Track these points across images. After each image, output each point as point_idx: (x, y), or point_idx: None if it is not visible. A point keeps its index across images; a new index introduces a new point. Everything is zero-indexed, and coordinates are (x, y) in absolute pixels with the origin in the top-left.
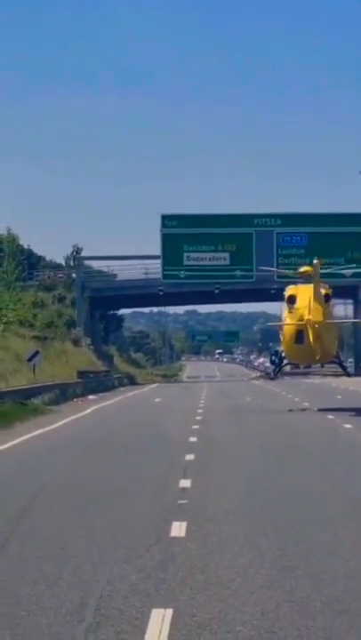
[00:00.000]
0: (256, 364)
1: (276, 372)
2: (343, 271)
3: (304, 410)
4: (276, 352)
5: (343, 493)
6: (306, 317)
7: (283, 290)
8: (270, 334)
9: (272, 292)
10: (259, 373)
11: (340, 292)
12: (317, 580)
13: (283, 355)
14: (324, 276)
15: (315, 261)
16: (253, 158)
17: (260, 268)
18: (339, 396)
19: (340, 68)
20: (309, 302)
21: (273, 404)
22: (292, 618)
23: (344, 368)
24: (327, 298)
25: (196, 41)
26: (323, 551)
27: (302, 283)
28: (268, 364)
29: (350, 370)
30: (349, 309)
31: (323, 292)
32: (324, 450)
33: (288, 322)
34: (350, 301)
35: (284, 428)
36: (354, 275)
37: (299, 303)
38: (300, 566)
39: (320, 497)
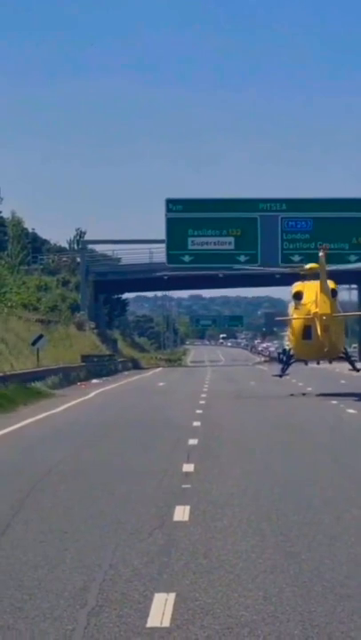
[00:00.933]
0: (260, 348)
1: (285, 369)
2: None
3: (308, 394)
4: (284, 350)
5: (346, 478)
6: (313, 311)
7: (287, 275)
8: (274, 319)
9: (277, 276)
10: (263, 358)
11: (345, 277)
12: (320, 565)
13: (291, 352)
14: (329, 259)
15: (320, 254)
16: (259, 143)
17: (265, 264)
18: (343, 381)
19: (351, 51)
20: (316, 296)
21: (277, 389)
22: (294, 602)
23: (352, 363)
24: (333, 293)
25: (202, 25)
26: (326, 536)
27: (309, 279)
28: (272, 349)
29: (359, 365)
30: (354, 294)
31: (331, 286)
32: (327, 434)
33: (296, 317)
34: (355, 286)
35: (287, 413)
36: (358, 260)
37: (306, 299)
38: (303, 551)
39: (323, 481)
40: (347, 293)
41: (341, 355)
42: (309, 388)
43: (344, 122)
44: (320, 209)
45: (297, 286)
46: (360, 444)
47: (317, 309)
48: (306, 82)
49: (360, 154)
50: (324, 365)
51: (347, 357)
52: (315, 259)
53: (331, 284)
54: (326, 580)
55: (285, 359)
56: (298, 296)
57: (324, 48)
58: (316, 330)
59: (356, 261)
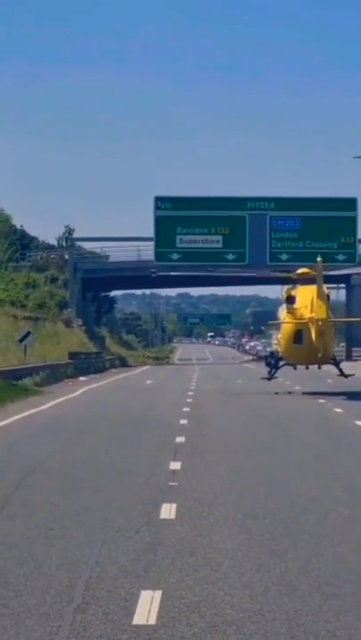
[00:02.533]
0: (248, 347)
1: (273, 373)
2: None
3: (295, 393)
4: (272, 353)
5: (332, 477)
6: (308, 316)
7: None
8: (262, 318)
9: (270, 272)
10: (250, 356)
11: (333, 277)
12: (306, 564)
13: (279, 355)
14: (316, 258)
15: (318, 259)
16: (248, 141)
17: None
18: (329, 380)
19: (338, 48)
20: (312, 300)
21: (264, 387)
22: (280, 601)
23: (341, 370)
24: (327, 298)
25: (191, 22)
26: (312, 534)
27: (301, 284)
28: (259, 348)
29: (347, 371)
30: (342, 294)
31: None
32: (313, 433)
33: (288, 321)
34: (343, 286)
35: (274, 412)
36: (346, 259)
37: (299, 303)
38: (289, 549)
39: (309, 480)
40: (335, 292)
41: (331, 361)
42: (297, 387)
43: (334, 121)
44: (308, 208)
45: (289, 290)
46: (346, 443)
47: (313, 314)
48: (297, 80)
49: (349, 153)
50: (313, 368)
51: (335, 363)
52: (303, 258)
53: (325, 289)
54: (312, 579)
55: (274, 362)
56: (290, 300)
57: (316, 44)
58: (310, 334)
59: (344, 261)
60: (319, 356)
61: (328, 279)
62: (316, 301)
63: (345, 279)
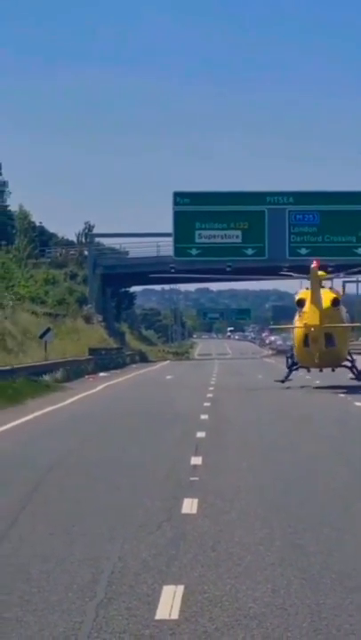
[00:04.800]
0: (268, 341)
1: (288, 375)
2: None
3: (315, 387)
4: (292, 355)
5: (354, 470)
6: (304, 321)
7: (296, 267)
8: (282, 312)
9: (284, 269)
10: (271, 351)
11: (353, 269)
12: (328, 557)
13: (295, 359)
14: (336, 252)
15: (312, 266)
16: (267, 136)
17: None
18: (351, 376)
19: (352, 44)
20: (307, 307)
21: (279, 377)
22: (303, 595)
23: (357, 373)
24: (336, 302)
25: (214, 17)
26: (333, 528)
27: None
28: (279, 342)
29: None
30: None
31: (332, 295)
32: (334, 427)
33: (297, 325)
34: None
35: (295, 406)
36: None
37: (306, 307)
38: (311, 544)
39: (330, 474)
40: (354, 286)
41: (346, 363)
42: (317, 382)
43: (352, 115)
44: (327, 202)
45: (300, 294)
46: None
47: (307, 320)
48: (315, 75)
49: None
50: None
51: (351, 365)
52: (322, 252)
53: (332, 293)
54: (335, 573)
55: (290, 365)
56: (300, 304)
57: (327, 40)
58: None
59: None
60: (316, 361)
61: (349, 269)
62: (310, 307)
63: None
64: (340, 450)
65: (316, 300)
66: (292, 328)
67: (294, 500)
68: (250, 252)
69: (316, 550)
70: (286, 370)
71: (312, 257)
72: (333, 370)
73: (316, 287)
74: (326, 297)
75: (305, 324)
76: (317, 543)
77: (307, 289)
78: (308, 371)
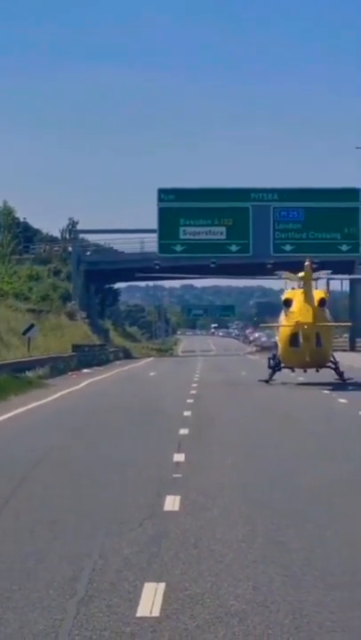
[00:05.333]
0: (252, 338)
1: (272, 375)
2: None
3: (299, 384)
4: (274, 355)
5: (337, 468)
6: (297, 319)
7: (280, 264)
8: (266, 309)
9: (268, 266)
10: (254, 348)
11: (337, 267)
12: (310, 554)
13: (279, 358)
14: (321, 249)
15: (306, 263)
16: (251, 133)
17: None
18: (335, 376)
19: (340, 41)
20: (300, 305)
21: (263, 377)
22: (284, 592)
23: (340, 373)
24: (322, 302)
25: (188, 14)
26: (316, 525)
27: (300, 287)
28: (264, 339)
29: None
30: (345, 284)
31: (320, 295)
32: (318, 424)
33: (284, 324)
34: (347, 276)
35: (278, 403)
36: (349, 250)
37: (294, 306)
38: (293, 540)
39: (313, 471)
40: (338, 283)
41: (329, 363)
42: (301, 378)
43: (337, 111)
44: (312, 199)
45: (287, 293)
46: (351, 434)
47: (300, 318)
48: (299, 70)
49: (352, 143)
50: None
51: (334, 367)
52: (306, 249)
53: (320, 292)
54: (317, 570)
55: (273, 365)
56: (287, 303)
57: (316, 33)
58: (300, 338)
59: (348, 251)
60: (307, 359)
61: (332, 268)
62: (303, 305)
63: (349, 269)
64: (324, 446)
65: (308, 298)
66: (277, 327)
67: (277, 497)
68: (234, 248)
69: (299, 547)
70: (270, 370)
71: (296, 254)
72: (318, 370)
73: (309, 286)
74: (315, 296)
75: (297, 322)
76: (300, 540)
77: (293, 288)
78: (293, 371)
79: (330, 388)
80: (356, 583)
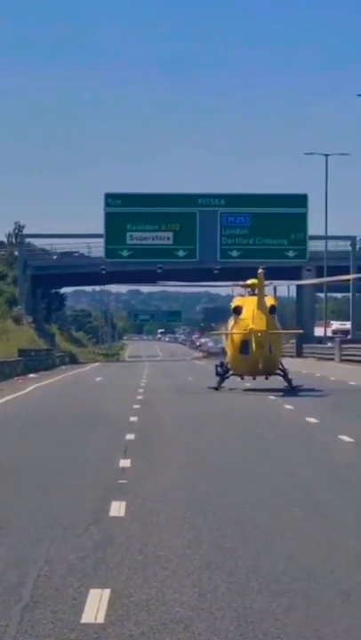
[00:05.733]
0: (198, 343)
1: (220, 383)
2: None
3: (245, 390)
4: (222, 363)
5: (283, 474)
6: (250, 327)
7: (227, 270)
8: (213, 314)
9: (215, 272)
10: (201, 353)
11: (284, 273)
12: (256, 561)
13: (228, 366)
14: (268, 255)
15: (259, 271)
16: (199, 138)
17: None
18: (280, 378)
19: (287, 44)
20: (253, 312)
21: (212, 384)
22: (230, 598)
23: (289, 381)
24: (272, 309)
25: (134, 19)
26: (262, 532)
27: (249, 294)
28: (210, 344)
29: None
30: (292, 290)
31: (270, 302)
32: (264, 430)
33: (234, 332)
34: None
35: (225, 408)
36: (297, 256)
37: (244, 314)
38: (238, 547)
39: (260, 477)
40: (285, 289)
41: (278, 371)
42: (248, 384)
43: (284, 117)
44: (259, 204)
45: (237, 301)
46: (297, 440)
47: (253, 325)
48: (246, 74)
49: (300, 150)
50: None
51: (283, 374)
52: (253, 254)
53: (270, 300)
54: (262, 576)
55: (222, 372)
56: (237, 311)
57: (264, 38)
58: (252, 346)
59: (294, 257)
60: (260, 367)
61: (279, 272)
62: (256, 312)
63: (296, 275)
64: (270, 452)
65: (262, 305)
66: (227, 335)
67: (223, 503)
68: (181, 253)
69: (245, 554)
70: (218, 377)
71: (243, 259)
72: (267, 378)
73: (262, 293)
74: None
75: (250, 329)
76: (246, 547)
77: (242, 296)
78: (242, 378)
79: (275, 394)
80: (300, 590)
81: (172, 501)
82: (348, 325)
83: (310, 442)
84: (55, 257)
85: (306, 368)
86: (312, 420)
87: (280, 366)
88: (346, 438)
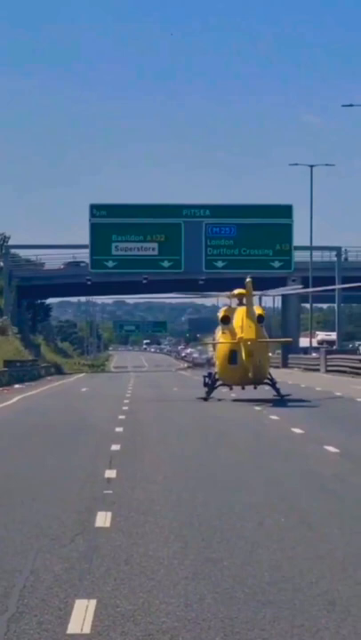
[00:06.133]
0: (184, 354)
1: (209, 393)
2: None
3: (231, 400)
4: (210, 374)
5: (268, 484)
6: (239, 335)
7: (212, 280)
8: (198, 325)
9: (200, 282)
10: (186, 364)
11: (269, 283)
12: (242, 571)
13: (216, 376)
14: (253, 265)
15: (247, 280)
16: (184, 149)
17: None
18: (266, 388)
19: (272, 50)
20: (242, 321)
21: (200, 395)
22: (215, 609)
23: (277, 390)
24: (260, 318)
25: (127, 29)
26: (248, 542)
27: (237, 304)
28: (195, 355)
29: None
30: (278, 300)
31: (258, 312)
32: (250, 440)
33: (222, 341)
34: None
35: (211, 419)
36: (282, 266)
37: (233, 323)
38: (224, 557)
39: (245, 487)
40: (271, 300)
41: (267, 380)
42: (233, 395)
43: (269, 127)
44: (244, 215)
45: (224, 310)
46: (282, 450)
47: (243, 334)
48: (231, 85)
49: (284, 160)
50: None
51: (271, 383)
52: (238, 265)
53: (258, 309)
54: (248, 587)
55: (210, 383)
56: (225, 320)
57: (247, 45)
58: (241, 355)
59: (280, 268)
60: (250, 376)
61: (265, 282)
62: (245, 321)
63: (281, 286)
64: (256, 463)
65: (250, 314)
66: (214, 345)
67: (209, 514)
68: (166, 264)
69: (230, 564)
70: (205, 388)
71: (228, 270)
72: (255, 387)
73: (250, 302)
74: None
75: (240, 338)
76: (231, 557)
77: (229, 306)
78: (231, 388)
79: (265, 404)
80: (286, 600)
81: (157, 512)
82: (333, 336)
83: (296, 452)
84: (62, 266)
85: (292, 379)
86: (298, 430)
87: (268, 376)
88: (331, 449)
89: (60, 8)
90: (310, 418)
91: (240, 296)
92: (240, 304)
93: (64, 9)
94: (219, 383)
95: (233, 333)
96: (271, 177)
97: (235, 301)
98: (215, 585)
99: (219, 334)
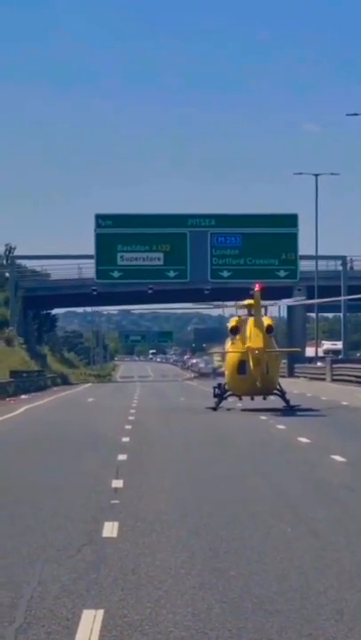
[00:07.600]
0: (190, 364)
1: (218, 403)
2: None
3: (236, 410)
4: (220, 384)
5: (275, 493)
6: (246, 345)
7: (217, 290)
8: (204, 335)
9: (206, 292)
10: (192, 374)
11: (275, 293)
12: (249, 581)
13: (225, 386)
14: (258, 275)
15: (256, 289)
16: (189, 159)
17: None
18: (272, 398)
19: (274, 57)
20: (250, 330)
21: (206, 405)
22: (223, 618)
23: (287, 401)
24: (269, 329)
25: (131, 39)
26: (254, 551)
27: (246, 314)
28: (201, 365)
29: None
30: (283, 310)
31: (268, 322)
32: (256, 450)
33: (231, 350)
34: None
35: (217, 429)
36: (287, 276)
37: (243, 333)
38: (231, 567)
39: (252, 497)
40: (276, 309)
41: (276, 391)
42: (239, 404)
43: (275, 136)
44: (249, 224)
45: (233, 321)
46: (289, 460)
47: (250, 344)
48: (234, 94)
49: (290, 169)
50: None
51: (281, 394)
52: (244, 275)
53: (267, 320)
54: (255, 596)
55: (220, 393)
56: (234, 331)
57: (251, 53)
58: (249, 364)
59: (285, 277)
60: (258, 385)
61: (270, 292)
62: (253, 331)
63: (287, 295)
64: (263, 472)
65: (259, 323)
66: (223, 355)
67: (216, 523)
68: (172, 274)
69: (237, 574)
70: (215, 399)
71: (234, 280)
72: (265, 398)
73: (259, 312)
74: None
75: (248, 347)
76: (238, 567)
77: (239, 317)
78: (240, 399)
79: (271, 414)
80: (293, 609)
81: (164, 522)
82: (339, 345)
83: (302, 461)
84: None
85: (298, 388)
86: (304, 439)
87: (278, 386)
88: (338, 458)
89: (63, 22)
90: (317, 427)
91: (249, 307)
92: (249, 314)
93: (67, 22)
94: (228, 393)
95: (241, 344)
96: (276, 186)
97: (243, 312)
98: (223, 594)
99: (228, 345)
